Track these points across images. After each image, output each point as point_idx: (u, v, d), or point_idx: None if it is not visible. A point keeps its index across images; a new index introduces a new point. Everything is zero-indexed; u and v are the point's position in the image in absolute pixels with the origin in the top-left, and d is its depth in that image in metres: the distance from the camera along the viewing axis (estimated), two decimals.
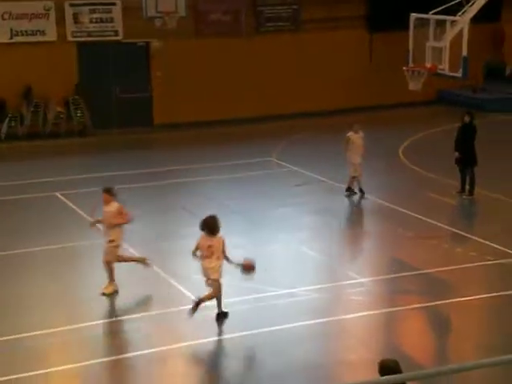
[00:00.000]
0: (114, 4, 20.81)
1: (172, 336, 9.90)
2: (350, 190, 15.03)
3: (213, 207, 14.71)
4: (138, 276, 11.70)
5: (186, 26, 21.10)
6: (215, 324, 10.04)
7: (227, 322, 10.08)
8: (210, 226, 9.89)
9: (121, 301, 10.82)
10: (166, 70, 21.28)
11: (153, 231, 13.81)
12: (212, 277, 9.85)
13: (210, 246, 9.82)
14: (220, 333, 9.76)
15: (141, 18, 20.54)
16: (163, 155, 19.20)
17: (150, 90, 21.57)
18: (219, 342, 9.60)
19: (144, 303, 10.71)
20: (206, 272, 9.94)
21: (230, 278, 11.37)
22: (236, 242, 12.86)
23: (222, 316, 10.03)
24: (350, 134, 14.97)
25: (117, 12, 20.83)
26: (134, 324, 10.07)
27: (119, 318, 10.16)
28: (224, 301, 10.53)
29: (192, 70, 21.50)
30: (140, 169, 17.32)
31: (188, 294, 10.84)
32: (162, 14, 20.48)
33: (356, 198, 15.11)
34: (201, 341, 9.62)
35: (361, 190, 14.99)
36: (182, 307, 10.49)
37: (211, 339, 9.64)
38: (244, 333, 9.76)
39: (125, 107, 21.27)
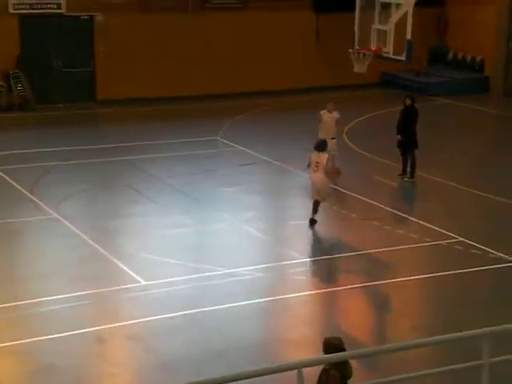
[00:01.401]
0: None
1: (114, 315, 9.82)
2: None
3: (157, 185, 14.62)
4: (81, 254, 11.55)
5: (131, 0, 20.74)
6: (157, 303, 10.00)
7: (170, 301, 10.05)
8: (319, 146, 12.53)
9: (60, 279, 10.66)
10: (110, 45, 20.90)
11: (96, 209, 13.63)
12: (319, 187, 12.47)
13: (317, 163, 12.38)
14: (162, 312, 9.73)
15: None
16: (106, 131, 18.91)
17: (93, 64, 21.17)
18: (162, 320, 9.57)
19: (86, 281, 10.57)
20: (314, 184, 12.54)
21: (175, 257, 11.34)
22: (180, 221, 12.83)
23: (313, 222, 12.48)
24: (323, 112, 14.95)
25: None
26: (73, 303, 9.93)
27: (59, 297, 10.01)
28: (168, 280, 10.53)
29: (137, 46, 21.17)
30: (82, 145, 17.02)
31: (131, 272, 10.76)
32: None
33: (301, 179, 15.19)
34: (144, 319, 9.56)
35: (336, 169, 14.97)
36: (124, 286, 10.42)
37: (154, 318, 9.60)
38: (187, 312, 9.75)
39: (67, 82, 20.84)
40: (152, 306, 9.95)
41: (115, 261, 11.13)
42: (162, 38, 21.42)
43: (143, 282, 10.49)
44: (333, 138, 14.89)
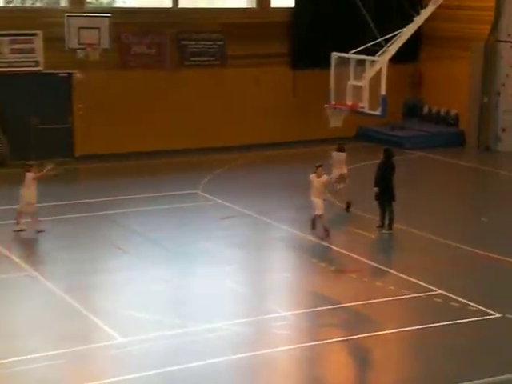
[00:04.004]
0: (35, 35, 20.51)
1: (91, 373, 9.63)
2: (313, 224, 14.87)
3: (136, 239, 14.56)
4: (57, 311, 11.40)
5: (110, 58, 20.98)
6: (135, 361, 9.83)
7: (148, 359, 9.89)
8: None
9: (36, 337, 10.48)
10: (89, 102, 21.05)
11: (74, 265, 13.48)
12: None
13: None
14: (140, 370, 9.56)
15: (63, 49, 20.32)
16: (85, 187, 18.88)
17: (71, 121, 21.28)
18: (139, 379, 9.39)
19: (62, 340, 10.40)
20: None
21: (154, 313, 11.23)
22: (159, 275, 12.76)
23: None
24: (312, 176, 14.87)
25: (38, 43, 20.52)
26: (52, 361, 9.76)
27: (35, 356, 9.82)
28: (146, 336, 10.39)
29: (116, 102, 21.34)
30: (61, 200, 16.96)
31: (109, 330, 10.62)
32: (85, 45, 20.32)
33: (281, 232, 15.24)
34: (121, 378, 9.39)
35: (325, 229, 14.68)
36: (101, 343, 10.26)
37: (131, 376, 9.43)
38: (165, 369, 9.59)
39: (45, 138, 20.85)
40: (129, 363, 9.78)
41: (92, 317, 10.98)
42: (140, 94, 21.64)
43: (120, 339, 10.34)
44: (324, 200, 14.95)
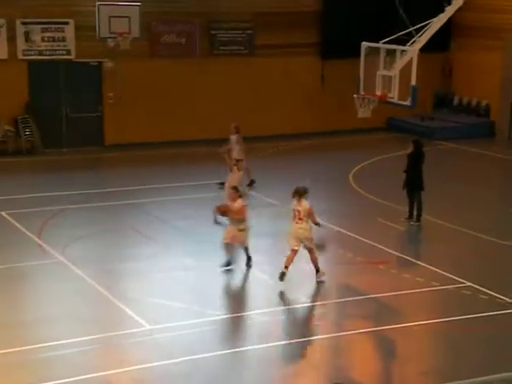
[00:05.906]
0: (66, 23, 20.67)
1: (119, 360, 9.72)
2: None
3: (163, 228, 14.64)
4: (86, 298, 11.52)
5: (140, 47, 21.08)
6: (161, 348, 9.90)
7: (174, 346, 9.95)
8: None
9: (66, 323, 10.61)
10: (119, 91, 21.17)
11: (102, 252, 13.62)
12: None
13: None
14: (166, 357, 9.62)
15: (94, 38, 20.45)
16: (114, 175, 19.01)
17: (101, 109, 21.42)
18: (166, 366, 9.46)
19: (91, 326, 10.51)
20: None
21: (179, 301, 11.28)
22: (185, 264, 12.82)
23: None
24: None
25: (69, 31, 20.69)
26: (79, 348, 9.87)
27: (64, 341, 9.95)
28: (172, 324, 10.44)
29: (145, 91, 21.45)
30: (90, 189, 17.12)
31: (135, 316, 10.70)
32: (116, 34, 20.42)
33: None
34: (148, 365, 9.46)
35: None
36: (128, 330, 10.35)
37: (158, 363, 9.50)
38: (191, 357, 9.64)
39: (75, 127, 21.07)
40: (156, 350, 9.86)
41: (120, 305, 11.08)
42: (169, 83, 21.71)
43: (148, 327, 10.42)
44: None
